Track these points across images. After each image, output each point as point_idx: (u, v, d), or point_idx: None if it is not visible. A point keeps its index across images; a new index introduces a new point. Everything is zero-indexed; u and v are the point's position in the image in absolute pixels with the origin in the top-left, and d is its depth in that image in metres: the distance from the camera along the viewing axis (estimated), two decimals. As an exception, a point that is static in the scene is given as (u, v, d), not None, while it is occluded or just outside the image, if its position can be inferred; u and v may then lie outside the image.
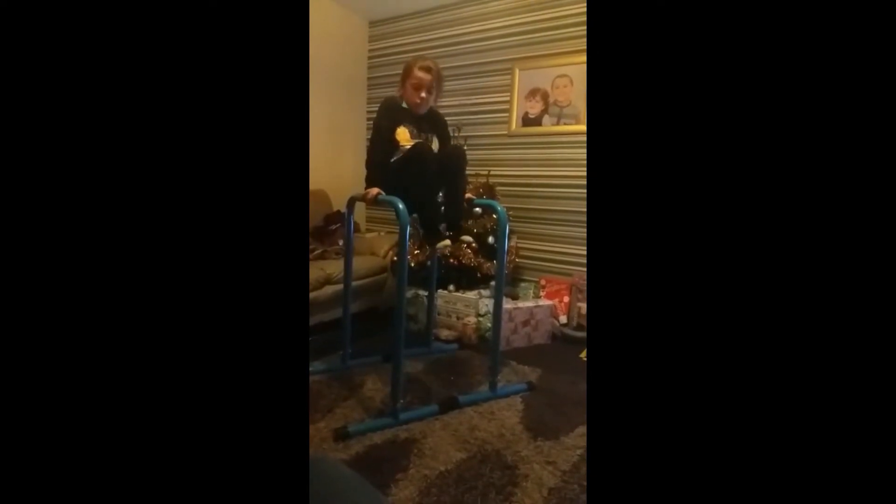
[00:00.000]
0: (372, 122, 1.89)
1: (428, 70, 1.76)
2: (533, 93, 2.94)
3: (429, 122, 1.89)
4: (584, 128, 2.76)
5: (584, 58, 2.70)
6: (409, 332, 2.19)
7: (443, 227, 1.85)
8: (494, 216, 2.07)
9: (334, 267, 2.42)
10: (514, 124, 3.03)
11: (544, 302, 2.61)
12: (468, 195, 2.01)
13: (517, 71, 2.98)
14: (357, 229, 3.12)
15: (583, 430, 1.61)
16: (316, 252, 2.65)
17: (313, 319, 2.34)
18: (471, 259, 2.57)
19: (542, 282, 2.89)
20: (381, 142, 1.80)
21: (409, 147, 1.78)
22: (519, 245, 2.93)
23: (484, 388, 1.89)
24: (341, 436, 1.50)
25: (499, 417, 1.68)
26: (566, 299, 2.74)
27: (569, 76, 2.80)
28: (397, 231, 1.67)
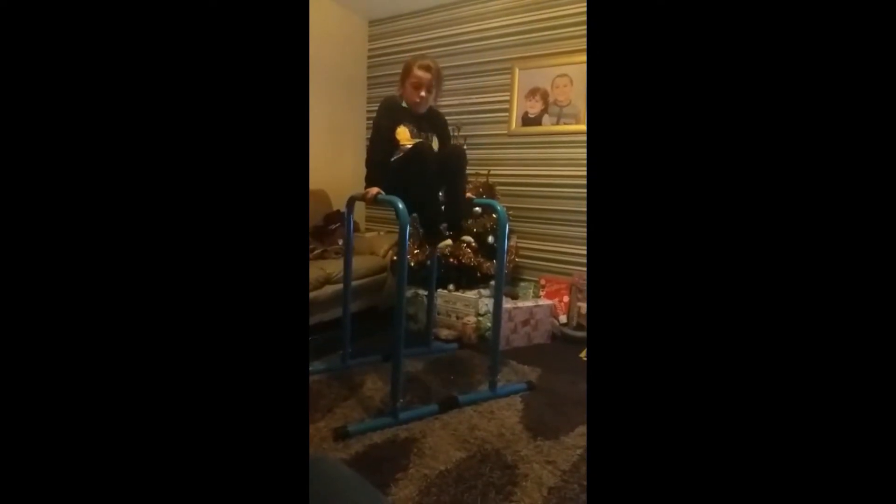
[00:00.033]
0: (372, 122, 1.89)
1: (427, 69, 1.76)
2: (533, 92, 2.94)
3: (429, 122, 1.89)
4: (583, 127, 2.76)
5: (583, 57, 2.70)
6: (408, 331, 2.19)
7: (443, 226, 1.85)
8: (494, 216, 2.07)
9: (334, 266, 2.42)
10: (514, 124, 3.03)
11: (544, 301, 2.61)
12: (468, 195, 2.01)
13: (517, 70, 2.98)
14: (357, 229, 3.12)
15: (582, 429, 1.61)
16: (316, 252, 2.65)
17: (313, 319, 2.34)
18: (470, 258, 2.57)
19: (542, 281, 2.90)
20: (380, 141, 1.80)
21: (409, 147, 1.78)
22: (519, 244, 2.93)
23: (484, 388, 1.89)
24: (341, 435, 1.50)
25: (498, 417, 1.68)
26: (566, 299, 2.74)
27: (568, 76, 2.80)
28: (397, 230, 1.67)
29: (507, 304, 2.39)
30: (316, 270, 2.36)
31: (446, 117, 2.02)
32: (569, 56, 2.77)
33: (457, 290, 2.62)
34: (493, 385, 1.86)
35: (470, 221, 2.57)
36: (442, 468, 1.37)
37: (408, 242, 1.68)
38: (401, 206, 1.58)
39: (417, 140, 1.81)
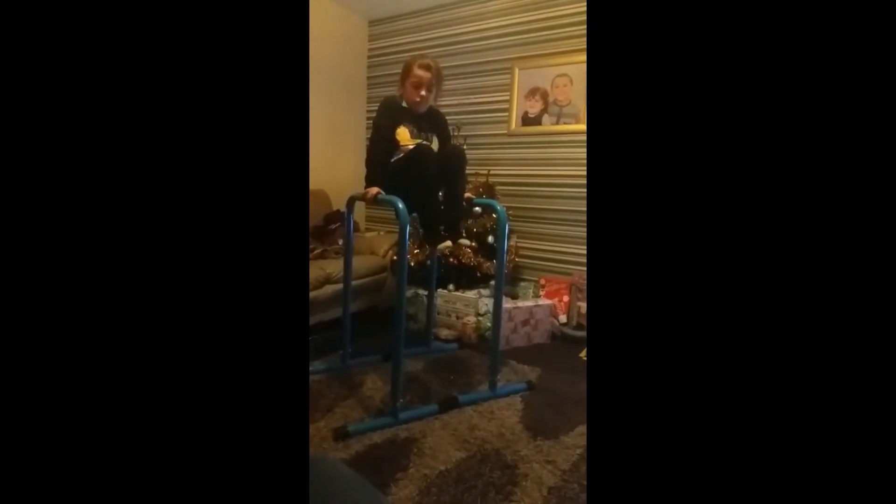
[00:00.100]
0: (372, 122, 1.89)
1: (427, 68, 1.76)
2: (532, 92, 2.94)
3: (429, 121, 1.89)
4: (583, 127, 2.76)
5: (583, 57, 2.70)
6: (408, 331, 2.19)
7: (441, 228, 1.85)
8: (494, 215, 2.07)
9: (334, 266, 2.42)
10: (514, 123, 3.03)
11: (544, 301, 2.61)
12: (468, 195, 2.01)
13: (517, 70, 2.98)
14: (357, 229, 3.12)
15: (582, 429, 1.61)
16: (316, 251, 2.65)
17: (313, 319, 2.34)
18: (470, 258, 2.57)
19: (542, 281, 2.90)
20: (380, 141, 1.80)
21: (409, 148, 1.78)
22: (518, 244, 2.93)
23: (484, 388, 1.89)
24: (341, 435, 1.50)
25: (498, 417, 1.68)
26: (566, 299, 2.74)
27: (568, 75, 2.80)
28: (397, 230, 1.67)
29: (507, 303, 2.39)
30: (316, 270, 2.36)
31: (446, 117, 2.02)
32: (569, 56, 2.77)
33: (457, 289, 2.62)
34: (493, 385, 1.86)
35: (470, 221, 2.58)
36: (442, 468, 1.37)
37: (408, 242, 1.68)
38: (401, 205, 1.58)
39: (417, 141, 1.81)
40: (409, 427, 1.58)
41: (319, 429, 1.55)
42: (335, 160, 3.40)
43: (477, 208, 2.20)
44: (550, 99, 2.88)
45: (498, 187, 2.95)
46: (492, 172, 2.98)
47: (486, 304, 2.45)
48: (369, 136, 1.88)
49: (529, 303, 2.54)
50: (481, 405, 1.75)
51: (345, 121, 3.52)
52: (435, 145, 1.89)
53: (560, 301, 2.76)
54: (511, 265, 2.81)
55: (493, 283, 2.43)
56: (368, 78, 3.67)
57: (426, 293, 2.36)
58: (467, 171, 2.30)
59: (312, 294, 2.30)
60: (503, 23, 3.02)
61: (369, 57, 3.65)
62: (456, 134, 2.81)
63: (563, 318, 2.70)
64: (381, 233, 3.31)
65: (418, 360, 2.17)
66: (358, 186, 1.86)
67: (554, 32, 2.83)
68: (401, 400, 1.64)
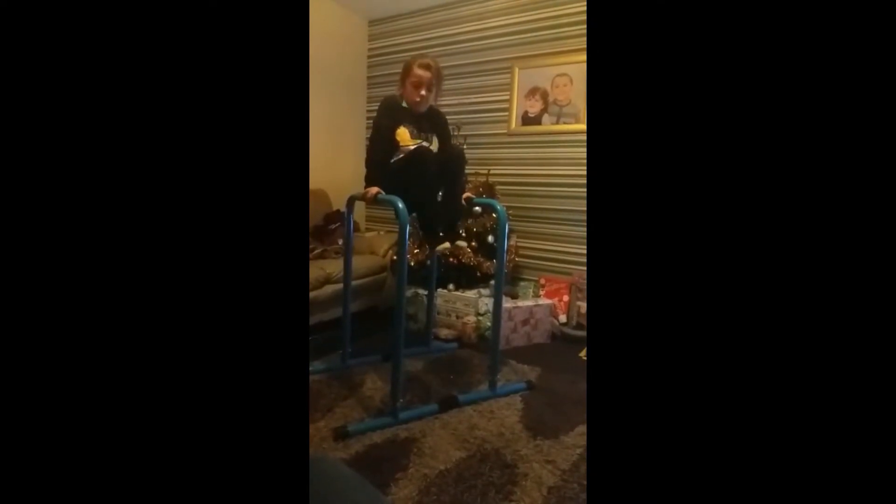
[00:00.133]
0: (372, 122, 1.89)
1: (427, 67, 1.76)
2: (532, 92, 2.94)
3: (429, 121, 1.89)
4: (583, 127, 2.76)
5: (583, 57, 2.70)
6: (408, 331, 2.19)
7: (440, 229, 1.86)
8: (494, 215, 2.07)
9: (334, 266, 2.42)
10: (514, 123, 3.02)
11: (544, 301, 2.61)
12: (468, 194, 2.02)
13: (517, 70, 2.98)
14: (357, 228, 3.12)
15: (582, 429, 1.61)
16: (316, 251, 2.65)
17: (313, 319, 2.34)
18: (470, 258, 2.57)
19: (542, 281, 2.90)
20: (380, 141, 1.80)
21: (409, 149, 1.78)
22: (518, 244, 2.93)
23: (483, 387, 1.89)
24: (341, 435, 1.50)
25: (498, 416, 1.68)
26: (566, 298, 2.74)
27: (568, 75, 2.80)
28: (397, 230, 1.67)
29: (507, 303, 2.39)
30: (316, 270, 2.36)
31: (446, 117, 2.02)
32: (569, 55, 2.77)
33: (457, 289, 2.62)
34: (492, 384, 1.86)
35: (470, 221, 2.58)
36: (442, 468, 1.37)
37: (408, 242, 1.68)
38: (400, 205, 1.58)
39: (417, 141, 1.82)
40: (409, 427, 1.58)
41: (319, 429, 1.55)
42: (335, 160, 3.40)
43: (477, 208, 2.20)
44: (550, 99, 2.88)
45: (498, 187, 2.95)
46: (492, 172, 2.98)
47: (486, 303, 2.45)
48: (369, 135, 1.88)
49: (529, 302, 2.54)
50: (481, 405, 1.75)
51: (345, 121, 3.52)
52: (435, 145, 1.89)
53: (560, 301, 2.76)
54: (511, 265, 2.81)
55: (492, 282, 2.43)
56: (368, 78, 3.67)
57: (426, 293, 2.36)
58: (467, 171, 2.30)
59: (312, 294, 2.30)
60: (503, 22, 3.01)
61: (369, 57, 3.65)
62: (456, 134, 2.81)
63: (563, 318, 2.70)
64: (381, 233, 3.30)
65: (418, 359, 2.17)
66: (358, 186, 1.86)
67: (554, 32, 2.83)
68: (401, 400, 1.64)
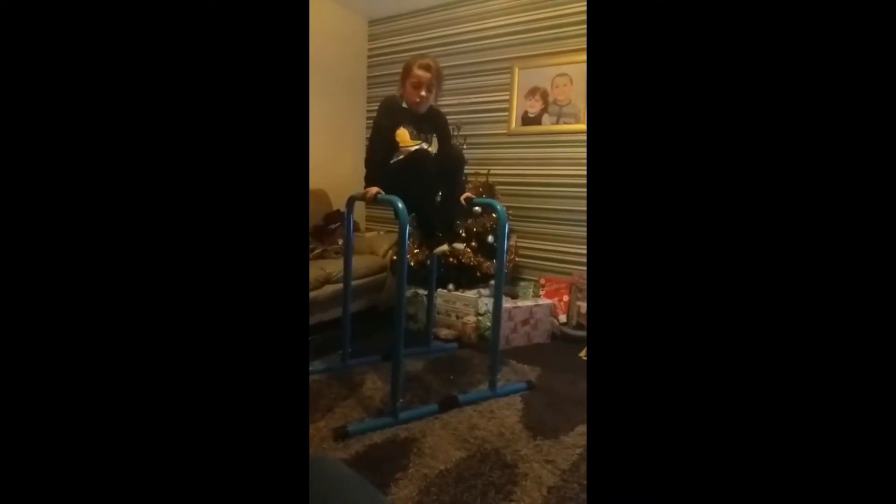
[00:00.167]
0: (372, 122, 1.89)
1: (427, 68, 1.76)
2: (532, 92, 2.94)
3: (429, 122, 1.88)
4: (583, 126, 2.76)
5: (583, 57, 2.70)
6: (408, 331, 2.19)
7: (439, 232, 1.87)
8: (494, 215, 2.07)
9: (334, 266, 2.42)
10: (514, 123, 3.02)
11: (544, 301, 2.61)
12: (468, 194, 2.02)
13: (517, 70, 2.98)
14: (357, 228, 3.12)
15: (582, 428, 1.61)
16: (316, 251, 2.65)
17: (313, 319, 2.34)
18: (470, 258, 2.57)
19: (542, 281, 2.89)
20: (380, 141, 1.80)
21: (409, 150, 1.79)
22: (518, 244, 2.93)
23: (483, 387, 1.89)
24: (341, 435, 1.50)
25: (498, 416, 1.68)
26: (566, 298, 2.74)
27: (568, 75, 2.80)
28: (397, 230, 1.67)
29: (507, 303, 2.39)
30: (316, 270, 2.36)
31: (447, 117, 2.01)
32: (569, 55, 2.77)
33: (456, 289, 2.62)
34: (492, 384, 1.86)
35: (470, 221, 2.58)
36: (442, 468, 1.37)
37: (407, 242, 1.68)
38: (400, 205, 1.58)
39: (417, 142, 1.82)
40: (409, 427, 1.58)
41: (319, 429, 1.55)
42: (335, 160, 3.40)
43: (477, 208, 2.20)
44: (550, 99, 2.88)
45: (498, 187, 2.95)
46: (492, 172, 2.98)
47: (486, 303, 2.45)
48: (369, 135, 1.88)
49: (529, 302, 2.54)
50: (481, 405, 1.75)
51: (345, 121, 3.52)
52: (434, 146, 1.89)
53: (560, 301, 2.76)
54: (511, 265, 2.81)
55: (492, 282, 2.43)
56: (368, 78, 3.67)
57: (426, 293, 2.36)
58: (467, 171, 2.30)
59: (312, 294, 2.30)
60: (503, 22, 3.01)
61: (369, 57, 3.65)
62: (456, 133, 2.81)
63: (562, 318, 2.70)
64: (381, 233, 3.30)
65: (418, 359, 2.17)
66: (358, 186, 1.86)
67: (554, 32, 2.83)
68: (401, 400, 1.64)
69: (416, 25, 3.38)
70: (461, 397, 1.76)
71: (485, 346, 2.31)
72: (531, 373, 2.09)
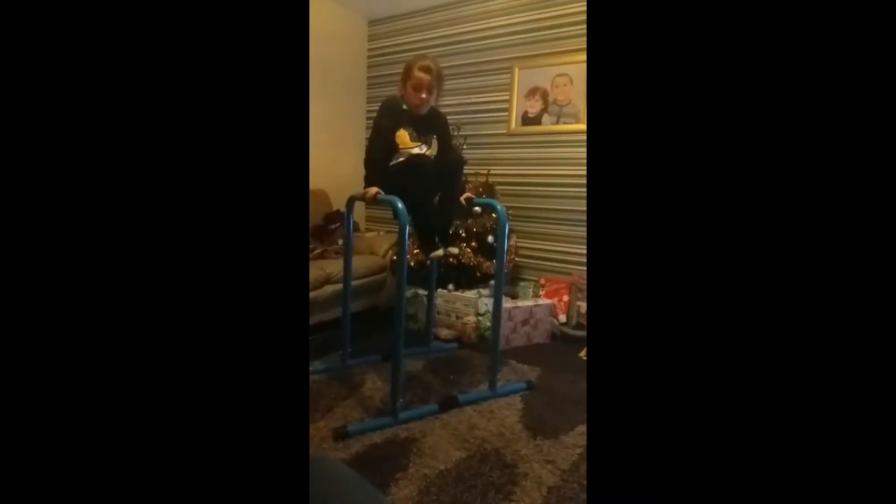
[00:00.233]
0: (372, 122, 1.89)
1: (428, 70, 1.76)
2: (532, 92, 2.94)
3: (429, 124, 1.88)
4: (583, 126, 2.76)
5: (583, 57, 2.70)
6: (408, 331, 2.19)
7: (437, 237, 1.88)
8: (494, 215, 2.07)
9: (334, 266, 2.42)
10: (514, 123, 3.02)
11: (544, 301, 2.61)
12: (468, 194, 2.02)
13: (517, 70, 2.98)
14: (356, 228, 3.12)
15: (582, 428, 1.61)
16: (316, 251, 2.65)
17: (313, 319, 2.34)
18: (470, 258, 2.57)
19: (542, 281, 2.90)
20: (380, 142, 1.81)
21: (409, 152, 1.79)
22: (518, 244, 2.93)
23: (483, 387, 1.89)
24: (341, 435, 1.50)
25: (498, 416, 1.68)
26: (566, 298, 2.74)
27: (568, 75, 2.80)
28: (397, 230, 1.67)
29: (507, 303, 2.40)
30: (316, 270, 2.36)
31: (447, 117, 2.02)
32: (569, 55, 2.77)
33: (456, 289, 2.62)
34: (492, 384, 1.86)
35: (470, 221, 2.58)
36: (442, 468, 1.37)
37: (407, 242, 1.68)
38: (400, 205, 1.58)
39: (417, 144, 1.82)
40: (409, 427, 1.58)
41: (319, 429, 1.55)
42: (335, 160, 3.40)
43: (477, 208, 2.20)
44: (550, 99, 2.88)
45: (498, 187, 2.95)
46: (492, 172, 2.98)
47: (486, 303, 2.45)
48: (369, 136, 1.88)
49: (529, 302, 2.54)
50: (481, 405, 1.75)
51: (345, 121, 3.52)
52: (434, 147, 1.90)
53: (560, 301, 2.76)
54: (511, 265, 2.81)
55: (492, 282, 2.43)
56: (368, 78, 3.67)
57: (426, 293, 2.36)
58: (467, 171, 2.30)
59: (312, 294, 2.30)
60: (503, 22, 3.01)
61: (369, 57, 3.65)
62: (456, 134, 2.81)
63: (562, 318, 2.70)
64: (381, 233, 3.30)
65: (418, 359, 2.17)
66: (358, 186, 1.86)
67: (554, 32, 2.83)
68: (401, 400, 1.64)
69: (416, 25, 3.38)
70: (461, 397, 1.76)
71: (485, 346, 2.31)
72: (531, 373, 2.09)
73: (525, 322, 2.48)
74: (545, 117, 2.91)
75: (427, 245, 1.91)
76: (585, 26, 2.47)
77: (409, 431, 1.55)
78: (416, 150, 1.82)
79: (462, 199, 1.96)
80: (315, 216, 2.84)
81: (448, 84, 2.62)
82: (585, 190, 1.36)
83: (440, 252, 1.90)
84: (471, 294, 2.57)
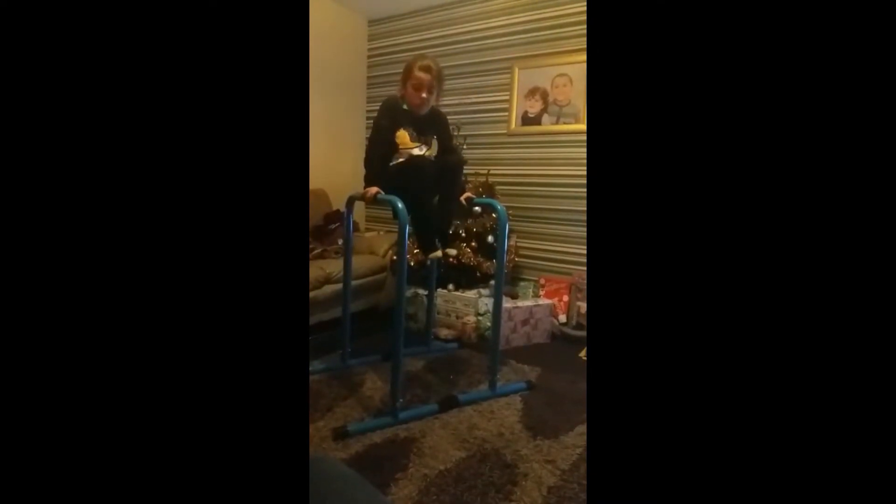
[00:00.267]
0: (372, 122, 1.89)
1: (428, 70, 1.76)
2: (532, 92, 2.94)
3: (429, 124, 1.88)
4: (583, 127, 2.76)
5: (583, 57, 2.70)
6: (408, 331, 2.19)
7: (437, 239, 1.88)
8: (494, 215, 2.07)
9: (334, 266, 2.42)
10: (514, 123, 3.02)
11: (544, 301, 2.61)
12: (468, 194, 2.02)
13: (517, 70, 2.98)
14: (356, 228, 3.12)
15: (582, 428, 1.61)
16: (316, 251, 2.65)
17: (313, 319, 2.34)
18: (470, 258, 2.57)
19: (542, 281, 2.89)
20: (380, 142, 1.81)
21: (409, 153, 1.79)
22: (518, 244, 2.93)
23: (483, 387, 1.89)
24: (341, 435, 1.50)
25: (498, 416, 1.68)
26: (565, 298, 2.74)
27: (568, 75, 2.80)
28: (397, 230, 1.67)
29: (507, 303, 2.40)
30: (316, 270, 2.36)
31: (447, 117, 2.01)
32: (569, 56, 2.77)
33: (456, 289, 2.62)
34: (492, 384, 1.86)
35: (470, 221, 2.58)
36: (442, 468, 1.37)
37: (407, 242, 1.68)
38: (400, 205, 1.58)
39: (417, 145, 1.82)
40: (409, 427, 1.58)
41: (319, 429, 1.55)
42: (335, 160, 3.40)
43: (477, 208, 2.20)
44: (550, 99, 2.88)
45: (498, 187, 2.95)
46: (492, 172, 2.98)
47: (486, 303, 2.45)
48: (369, 135, 1.88)
49: (529, 302, 2.54)
50: (481, 405, 1.75)
51: (344, 121, 3.52)
52: (434, 148, 1.90)
53: (560, 301, 2.76)
54: (511, 265, 2.81)
55: (492, 282, 2.43)
56: (368, 78, 3.67)
57: (426, 293, 2.36)
58: (467, 171, 2.30)
59: (312, 294, 2.30)
60: (503, 22, 3.01)
61: (369, 57, 3.65)
62: (456, 133, 2.81)
63: (562, 318, 2.70)
64: (381, 233, 3.30)
65: (418, 359, 2.17)
66: (358, 186, 1.86)
67: (554, 32, 2.83)
68: (400, 399, 1.64)
69: (416, 25, 3.38)
70: (461, 397, 1.76)
71: (485, 346, 2.31)
72: (531, 373, 2.09)
73: (525, 322, 2.48)
74: (545, 117, 2.91)
75: (426, 246, 1.92)
76: (585, 26, 2.47)
77: (409, 431, 1.55)
78: (416, 151, 1.82)
79: (462, 199, 1.96)
80: (315, 216, 2.84)
81: (448, 84, 2.62)
82: (585, 190, 1.36)
83: (439, 253, 1.90)
84: (471, 294, 2.57)
